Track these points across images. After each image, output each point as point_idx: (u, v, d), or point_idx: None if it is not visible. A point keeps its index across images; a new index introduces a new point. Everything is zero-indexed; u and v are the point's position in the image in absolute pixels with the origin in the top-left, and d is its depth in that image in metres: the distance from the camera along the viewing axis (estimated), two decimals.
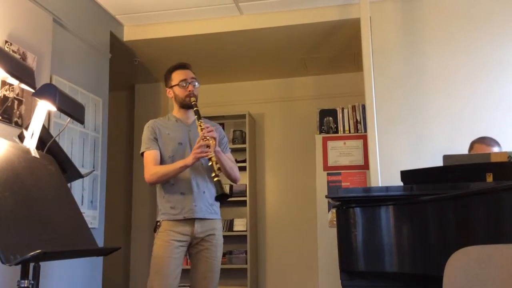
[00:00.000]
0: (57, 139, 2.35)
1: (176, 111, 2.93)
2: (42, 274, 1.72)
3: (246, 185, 5.21)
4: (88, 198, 3.70)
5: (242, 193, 5.23)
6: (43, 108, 2.17)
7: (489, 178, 2.21)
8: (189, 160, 2.66)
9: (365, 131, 4.13)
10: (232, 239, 5.23)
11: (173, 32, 4.43)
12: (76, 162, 3.30)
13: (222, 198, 2.64)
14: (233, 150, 5.28)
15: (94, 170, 3.78)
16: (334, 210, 2.44)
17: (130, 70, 5.20)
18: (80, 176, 2.45)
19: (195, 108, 2.79)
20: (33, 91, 2.23)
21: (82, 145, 3.67)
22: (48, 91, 2.16)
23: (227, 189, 5.22)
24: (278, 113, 5.59)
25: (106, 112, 4.07)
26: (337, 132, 4.55)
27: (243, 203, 5.19)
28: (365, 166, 4.28)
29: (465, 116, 3.72)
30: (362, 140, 4.41)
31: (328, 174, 4.44)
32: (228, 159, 2.88)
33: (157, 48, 4.65)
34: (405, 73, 3.91)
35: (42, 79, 3.17)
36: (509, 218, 1.82)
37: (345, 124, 4.55)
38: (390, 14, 4.02)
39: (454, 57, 3.83)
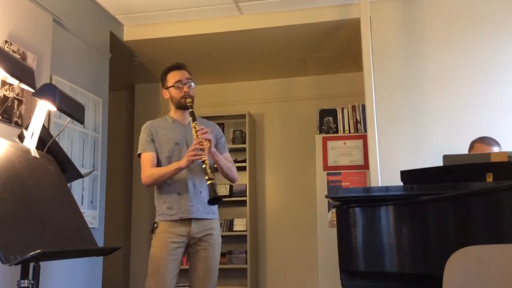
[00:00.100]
0: (57, 139, 2.35)
1: (173, 112, 2.93)
2: (42, 274, 1.72)
3: (246, 185, 5.21)
4: (88, 198, 3.70)
5: (242, 193, 5.24)
6: (43, 108, 2.17)
7: (489, 178, 2.21)
8: (183, 162, 2.67)
9: (365, 131, 4.13)
10: (232, 239, 5.23)
11: (173, 32, 4.43)
12: (76, 162, 3.30)
13: (214, 201, 2.64)
14: (233, 150, 5.33)
15: (94, 170, 3.78)
16: (334, 210, 2.44)
17: (130, 70, 5.20)
18: (80, 176, 2.45)
19: (190, 110, 2.79)
20: (33, 91, 2.23)
21: (82, 145, 3.67)
22: (48, 91, 2.16)
23: (226, 189, 5.31)
24: (278, 113, 5.59)
25: (106, 112, 4.07)
26: (337, 132, 4.55)
27: (243, 203, 5.19)
28: (365, 166, 4.28)
29: (465, 116, 3.72)
30: (362, 140, 4.41)
31: (328, 174, 4.44)
32: (226, 159, 2.89)
33: (157, 48, 4.65)
34: (405, 73, 3.91)
35: (42, 79, 3.17)
36: (509, 218, 1.82)
37: (345, 124, 4.55)
38: (390, 14, 4.02)
39: (454, 57, 3.83)
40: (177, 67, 2.94)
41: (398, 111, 3.86)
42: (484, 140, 3.19)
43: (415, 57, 3.91)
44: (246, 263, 5.02)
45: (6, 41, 2.94)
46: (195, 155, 2.63)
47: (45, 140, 2.22)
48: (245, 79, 5.63)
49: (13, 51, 2.96)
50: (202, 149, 2.63)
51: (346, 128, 4.54)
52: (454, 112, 3.75)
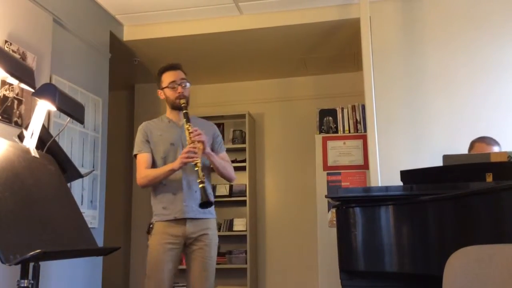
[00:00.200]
0: (56, 138, 2.35)
1: (168, 113, 2.94)
2: (41, 274, 1.72)
3: (246, 185, 5.21)
4: (88, 198, 3.69)
5: (242, 193, 5.24)
6: (43, 107, 2.17)
7: (489, 178, 2.21)
8: (176, 164, 2.68)
9: (365, 131, 4.13)
10: (232, 239, 5.23)
11: (173, 32, 4.43)
12: (76, 162, 3.30)
13: (205, 205, 2.64)
14: (233, 150, 5.34)
15: (94, 170, 3.78)
16: (334, 210, 2.44)
17: (130, 70, 5.20)
18: (79, 176, 2.45)
19: (184, 111, 2.78)
20: (33, 90, 2.23)
21: (82, 145, 3.67)
22: (48, 90, 2.16)
23: (226, 189, 5.30)
24: (278, 113, 5.59)
25: (106, 112, 4.06)
26: (336, 132, 4.55)
27: (243, 203, 5.19)
28: (365, 166, 4.28)
29: (465, 116, 3.72)
30: (362, 140, 4.41)
31: (328, 174, 4.44)
32: (222, 159, 2.89)
33: (157, 48, 4.65)
34: (405, 73, 3.91)
35: (42, 79, 3.17)
36: (509, 218, 1.82)
37: (345, 124, 4.55)
38: (390, 14, 4.02)
39: (454, 57, 3.83)
40: (172, 67, 2.93)
41: (398, 111, 3.86)
42: (484, 140, 3.19)
43: (415, 57, 3.91)
44: (246, 263, 5.02)
45: (6, 41, 2.94)
46: (187, 157, 2.63)
47: (45, 140, 2.22)
48: (245, 79, 5.63)
49: (13, 51, 2.96)
50: (195, 153, 2.64)
51: (346, 128, 4.54)
52: (454, 112, 3.75)
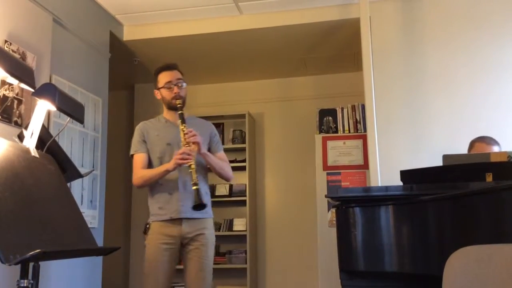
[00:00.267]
0: (56, 138, 2.35)
1: (165, 112, 2.95)
2: (41, 273, 1.72)
3: (245, 185, 5.21)
4: (87, 197, 3.69)
5: (242, 193, 5.24)
6: (43, 107, 2.16)
7: (489, 178, 2.21)
8: (170, 165, 2.69)
9: (365, 131, 4.13)
10: (232, 238, 5.23)
11: (173, 32, 4.43)
12: (76, 161, 3.30)
13: (198, 208, 2.64)
14: (233, 150, 5.34)
15: (93, 170, 3.78)
16: (333, 210, 2.44)
17: (129, 70, 5.20)
18: (79, 175, 2.45)
19: (179, 112, 2.79)
20: (32, 90, 2.23)
21: (82, 144, 3.67)
22: (48, 90, 2.16)
23: (226, 188, 5.30)
24: (278, 113, 5.59)
25: (105, 112, 4.06)
26: (336, 132, 4.55)
27: (243, 202, 5.19)
28: (365, 165, 4.28)
29: (465, 116, 3.72)
30: (361, 139, 4.41)
31: (328, 174, 4.44)
32: (218, 159, 2.89)
33: (157, 48, 4.65)
34: (405, 73, 3.91)
35: (41, 79, 3.16)
36: (509, 217, 1.82)
37: (344, 124, 4.55)
38: (390, 14, 4.02)
39: (454, 57, 3.83)
40: (168, 67, 2.93)
41: (398, 111, 3.86)
42: (484, 139, 3.19)
43: (415, 57, 3.91)
44: (246, 263, 5.02)
45: (6, 41, 2.94)
46: (182, 159, 2.63)
47: (45, 140, 2.22)
48: (245, 79, 5.63)
49: (12, 50, 2.95)
50: (189, 153, 2.64)
51: (346, 128, 4.54)
52: (454, 112, 3.75)
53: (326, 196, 2.88)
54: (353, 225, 2.32)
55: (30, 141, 2.11)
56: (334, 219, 2.41)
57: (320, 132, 4.59)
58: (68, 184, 2.53)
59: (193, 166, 2.63)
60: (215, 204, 5.23)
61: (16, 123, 2.94)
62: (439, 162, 2.53)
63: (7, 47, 2.92)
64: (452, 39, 3.86)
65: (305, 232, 5.10)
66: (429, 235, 2.09)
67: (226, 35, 4.41)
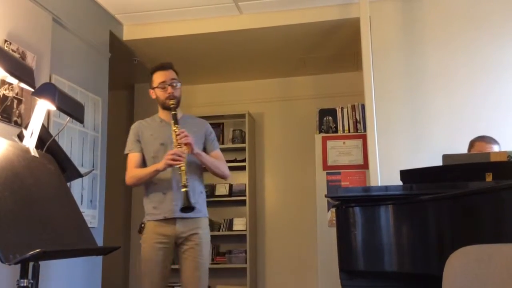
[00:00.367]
0: (56, 138, 2.35)
1: (160, 112, 2.96)
2: (41, 273, 1.72)
3: (245, 184, 5.21)
4: (87, 197, 3.69)
5: (242, 193, 5.24)
6: (43, 107, 2.16)
7: (489, 177, 2.21)
8: (160, 165, 2.69)
9: (365, 130, 4.13)
10: (232, 238, 5.23)
11: (173, 32, 4.42)
12: (76, 161, 3.30)
13: (186, 210, 2.64)
14: (233, 150, 5.34)
15: (93, 170, 3.78)
16: (333, 210, 2.44)
17: (129, 70, 5.20)
18: (79, 175, 2.45)
19: (172, 112, 2.79)
20: (32, 90, 2.23)
21: (82, 144, 3.67)
22: (48, 90, 2.16)
23: (226, 188, 5.29)
24: (278, 113, 5.58)
25: (105, 112, 4.06)
26: (336, 131, 4.55)
27: (243, 202, 5.19)
28: (365, 165, 4.28)
29: (465, 116, 3.72)
30: (361, 139, 4.41)
31: (328, 174, 4.44)
32: (213, 158, 2.89)
33: (156, 48, 4.65)
34: (405, 73, 3.91)
35: (41, 78, 3.16)
36: (509, 217, 1.82)
37: (344, 123, 4.55)
38: (390, 13, 4.02)
39: (454, 57, 3.83)
40: (162, 67, 2.94)
41: (397, 111, 3.85)
42: (484, 139, 3.20)
43: (415, 57, 3.91)
44: (246, 263, 5.02)
45: (6, 40, 2.94)
46: (173, 160, 2.64)
47: (45, 140, 2.22)
48: (245, 79, 5.63)
49: (12, 50, 2.95)
50: (180, 155, 2.64)
51: (346, 127, 4.54)
52: (454, 112, 3.75)
53: (326, 196, 2.88)
54: (353, 225, 2.32)
55: (30, 141, 2.11)
56: (334, 218, 2.41)
57: (320, 132, 4.59)
58: (68, 184, 2.52)
59: (183, 168, 2.63)
60: (215, 203, 5.29)
61: (16, 123, 2.94)
62: (439, 162, 2.53)
63: (7, 46, 2.91)
64: (452, 39, 3.86)
65: (305, 232, 5.10)
66: (429, 234, 2.09)
67: (226, 34, 4.41)
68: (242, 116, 5.36)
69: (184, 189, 2.61)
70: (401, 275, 2.26)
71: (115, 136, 4.95)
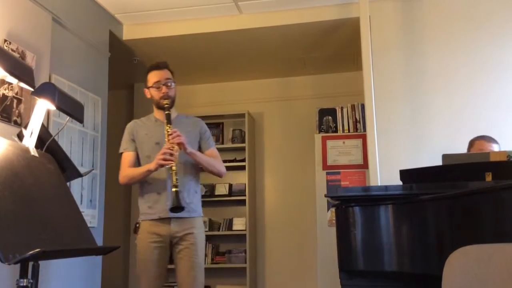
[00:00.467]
0: (56, 138, 2.35)
1: (155, 112, 2.97)
2: (41, 273, 1.72)
3: (245, 184, 5.21)
4: (87, 197, 3.69)
5: (241, 192, 5.23)
6: (42, 107, 2.16)
7: (488, 177, 2.21)
8: (152, 165, 2.70)
9: (364, 130, 4.13)
10: (231, 238, 5.23)
11: (173, 31, 4.42)
12: (75, 161, 3.30)
13: (176, 210, 2.63)
14: (232, 149, 5.34)
15: (93, 169, 3.78)
16: (333, 209, 2.44)
17: (129, 69, 5.20)
18: (79, 175, 2.45)
19: (166, 112, 2.80)
20: (32, 90, 2.22)
21: (81, 144, 3.67)
22: (47, 90, 2.16)
23: (226, 188, 5.29)
24: (278, 112, 5.58)
25: (105, 111, 4.06)
26: (336, 131, 4.55)
27: (242, 202, 5.19)
28: (364, 165, 4.28)
29: (465, 116, 3.72)
30: (361, 139, 4.41)
31: (327, 173, 4.44)
32: (208, 156, 2.89)
33: (156, 47, 4.65)
34: (404, 72, 3.91)
35: (41, 78, 3.16)
36: (508, 217, 1.82)
37: (344, 123, 4.55)
38: (390, 13, 4.02)
39: (454, 57, 3.83)
40: (157, 67, 2.94)
41: (397, 111, 3.85)
42: (484, 137, 3.22)
43: (415, 57, 3.91)
44: (245, 262, 5.02)
45: (5, 40, 2.93)
46: (164, 160, 2.64)
47: (44, 139, 2.22)
48: (245, 78, 5.63)
49: (12, 50, 2.95)
50: (172, 154, 2.64)
51: (346, 127, 4.54)
52: (454, 111, 3.75)
53: (325, 196, 2.88)
54: (353, 225, 2.32)
55: (30, 141, 2.11)
56: (334, 218, 2.41)
57: (320, 131, 4.59)
58: (68, 184, 2.52)
59: (174, 168, 2.63)
60: (214, 203, 5.30)
61: (15, 123, 2.94)
62: (438, 162, 2.53)
63: (6, 46, 2.91)
64: (452, 39, 3.86)
65: (305, 232, 5.10)
66: (428, 234, 2.09)
67: (225, 34, 4.41)
68: (241, 115, 5.36)
69: (174, 189, 2.60)
70: (401, 275, 2.26)
71: (115, 135, 4.93)
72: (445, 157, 2.50)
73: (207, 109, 5.40)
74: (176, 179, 2.62)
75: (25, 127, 2.17)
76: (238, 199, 5.22)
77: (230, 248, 5.18)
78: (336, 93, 5.23)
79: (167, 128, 2.72)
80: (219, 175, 2.95)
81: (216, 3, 4.10)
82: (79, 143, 3.64)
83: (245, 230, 5.11)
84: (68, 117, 2.36)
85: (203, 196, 5.22)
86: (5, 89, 2.87)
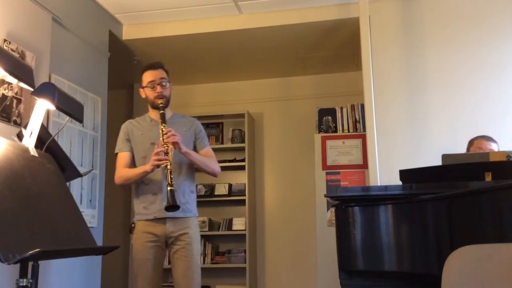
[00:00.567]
0: (56, 138, 2.35)
1: (150, 112, 2.97)
2: (41, 273, 1.72)
3: (245, 184, 5.21)
4: (87, 197, 3.69)
5: (241, 192, 5.23)
6: (42, 107, 2.16)
7: (488, 177, 2.21)
8: (148, 167, 2.70)
9: (364, 130, 4.13)
10: (231, 238, 5.23)
11: (172, 31, 4.42)
12: (75, 161, 3.29)
13: (171, 209, 2.63)
14: (232, 149, 5.34)
15: (93, 169, 3.78)
16: (333, 209, 2.44)
17: (129, 69, 5.19)
18: (79, 175, 2.45)
19: (161, 112, 2.80)
20: (32, 90, 2.22)
21: (81, 144, 3.67)
22: (47, 90, 2.16)
23: (225, 188, 5.29)
24: (277, 112, 5.58)
25: (105, 111, 4.06)
26: (336, 131, 4.55)
27: (242, 202, 5.19)
28: (364, 165, 4.28)
29: (464, 116, 3.72)
30: (361, 139, 4.41)
31: (327, 173, 4.44)
32: (202, 156, 2.89)
33: (156, 47, 4.65)
34: (404, 72, 3.91)
35: (41, 78, 3.16)
36: (508, 217, 1.82)
37: (344, 123, 4.55)
38: (390, 13, 4.02)
39: (453, 57, 3.83)
40: (152, 66, 2.95)
41: (397, 111, 3.86)
42: (483, 137, 3.23)
43: (415, 56, 3.91)
44: (245, 262, 5.02)
45: (5, 40, 2.93)
46: (158, 160, 2.64)
47: (44, 139, 2.22)
48: (244, 78, 5.63)
49: (12, 50, 2.95)
50: (167, 153, 2.64)
51: (345, 127, 4.54)
52: (453, 111, 3.75)
53: (325, 196, 2.88)
54: (353, 225, 2.32)
55: (29, 140, 2.11)
56: (333, 218, 2.41)
57: (320, 131, 4.59)
58: (68, 184, 2.52)
59: (169, 167, 2.63)
60: (214, 203, 5.30)
61: (15, 122, 2.94)
62: (438, 162, 2.54)
63: (6, 46, 2.91)
64: (451, 39, 3.86)
65: (304, 232, 5.10)
66: (428, 234, 2.09)
67: (225, 34, 4.41)
68: (241, 115, 5.36)
69: (169, 188, 2.60)
70: (401, 275, 2.26)
71: (115, 135, 4.92)
72: (444, 157, 2.50)
73: (207, 109, 5.40)
74: (171, 178, 2.62)
75: (25, 127, 2.17)
76: (237, 199, 5.22)
77: (229, 248, 5.18)
78: (335, 93, 5.23)
79: (162, 127, 2.73)
80: (213, 174, 2.95)
81: (216, 3, 4.10)
82: (79, 143, 3.64)
83: (244, 230, 5.11)
84: (67, 117, 2.35)
85: (203, 196, 5.27)
86: (5, 89, 2.87)
